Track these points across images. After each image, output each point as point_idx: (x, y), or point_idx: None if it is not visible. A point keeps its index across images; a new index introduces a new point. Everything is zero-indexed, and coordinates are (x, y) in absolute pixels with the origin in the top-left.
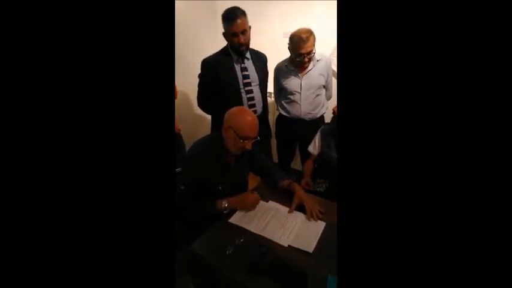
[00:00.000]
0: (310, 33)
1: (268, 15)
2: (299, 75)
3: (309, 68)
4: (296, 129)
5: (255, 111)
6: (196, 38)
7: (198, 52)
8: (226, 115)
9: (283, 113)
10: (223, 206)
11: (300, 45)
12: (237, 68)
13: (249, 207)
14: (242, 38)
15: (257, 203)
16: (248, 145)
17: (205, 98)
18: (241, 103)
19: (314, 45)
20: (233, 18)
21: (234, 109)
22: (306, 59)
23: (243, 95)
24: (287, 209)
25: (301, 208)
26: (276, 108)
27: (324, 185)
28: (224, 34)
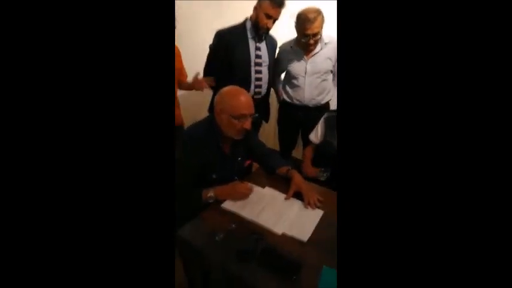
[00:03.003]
0: (318, 13)
1: None
2: (304, 57)
3: (316, 50)
4: (299, 116)
5: (259, 92)
6: (199, 28)
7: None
8: (217, 97)
9: (286, 99)
10: (208, 196)
11: (306, 26)
12: (252, 46)
13: (238, 197)
14: (271, 25)
15: (249, 192)
16: (247, 124)
17: (212, 70)
18: (248, 81)
19: (322, 27)
20: (281, 5)
21: (225, 89)
22: (312, 41)
23: (252, 73)
24: (284, 196)
25: (299, 196)
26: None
27: (325, 174)
28: (256, 9)
